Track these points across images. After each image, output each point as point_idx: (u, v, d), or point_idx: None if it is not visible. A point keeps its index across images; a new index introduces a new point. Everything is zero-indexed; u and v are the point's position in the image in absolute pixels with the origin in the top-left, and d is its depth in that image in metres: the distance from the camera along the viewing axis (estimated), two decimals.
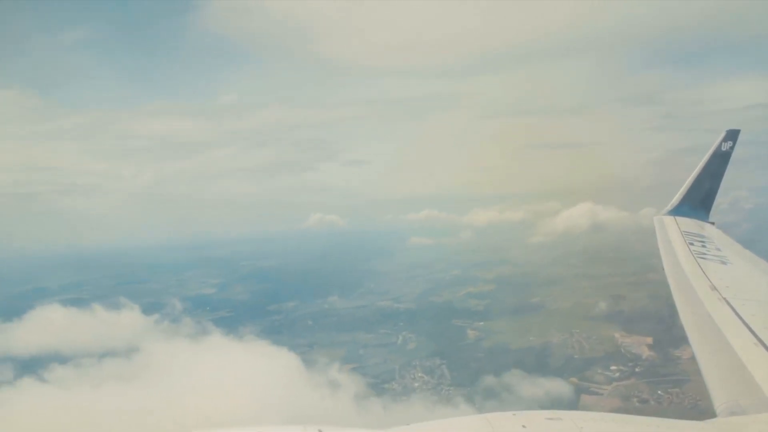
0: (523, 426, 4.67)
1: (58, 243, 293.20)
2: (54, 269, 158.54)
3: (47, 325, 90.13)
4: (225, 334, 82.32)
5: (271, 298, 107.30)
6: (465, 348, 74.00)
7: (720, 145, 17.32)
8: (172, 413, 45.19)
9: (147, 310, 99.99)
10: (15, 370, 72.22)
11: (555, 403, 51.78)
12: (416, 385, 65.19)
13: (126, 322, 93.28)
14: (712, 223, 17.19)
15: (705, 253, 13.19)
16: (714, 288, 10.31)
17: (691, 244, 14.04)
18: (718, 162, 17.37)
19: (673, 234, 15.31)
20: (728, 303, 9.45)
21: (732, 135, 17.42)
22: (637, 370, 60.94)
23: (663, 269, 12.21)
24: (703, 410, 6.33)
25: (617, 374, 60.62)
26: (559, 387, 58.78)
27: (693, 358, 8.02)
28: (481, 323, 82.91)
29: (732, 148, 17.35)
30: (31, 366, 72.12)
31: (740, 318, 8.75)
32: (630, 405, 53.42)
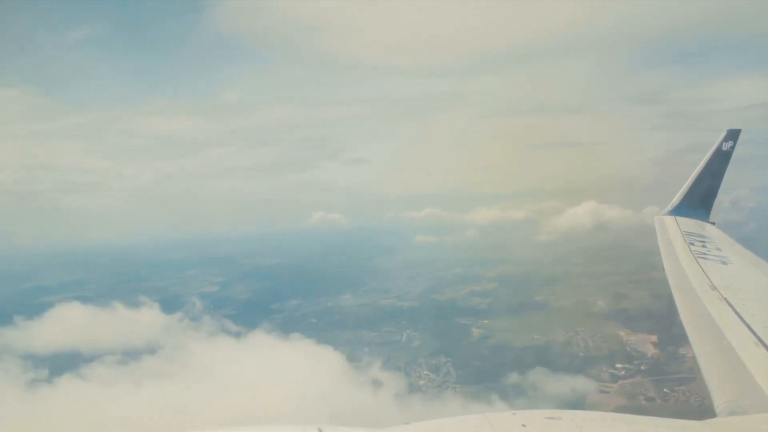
0: (523, 425, 4.64)
1: (59, 241, 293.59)
2: (55, 267, 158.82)
3: (68, 323, 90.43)
4: (231, 333, 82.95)
5: (274, 296, 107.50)
6: (469, 346, 74.12)
7: (720, 145, 17.38)
8: (208, 410, 45.06)
9: (141, 308, 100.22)
10: (42, 368, 72.45)
11: (561, 401, 51.86)
12: (422, 383, 65.25)
13: (144, 319, 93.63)
14: (713, 223, 17.23)
15: (705, 253, 13.22)
16: (714, 288, 10.35)
17: (692, 244, 14.08)
18: (719, 162, 17.43)
19: (673, 234, 15.34)
20: (728, 303, 9.47)
21: (732, 135, 17.47)
22: (642, 368, 60.99)
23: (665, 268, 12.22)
24: (709, 408, 6.25)
25: (623, 372, 60.72)
26: (569, 384, 58.93)
27: None
28: (485, 321, 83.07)
29: (732, 147, 17.40)
30: (59, 364, 72.49)
31: (740, 318, 8.76)
32: (636, 403, 53.52)
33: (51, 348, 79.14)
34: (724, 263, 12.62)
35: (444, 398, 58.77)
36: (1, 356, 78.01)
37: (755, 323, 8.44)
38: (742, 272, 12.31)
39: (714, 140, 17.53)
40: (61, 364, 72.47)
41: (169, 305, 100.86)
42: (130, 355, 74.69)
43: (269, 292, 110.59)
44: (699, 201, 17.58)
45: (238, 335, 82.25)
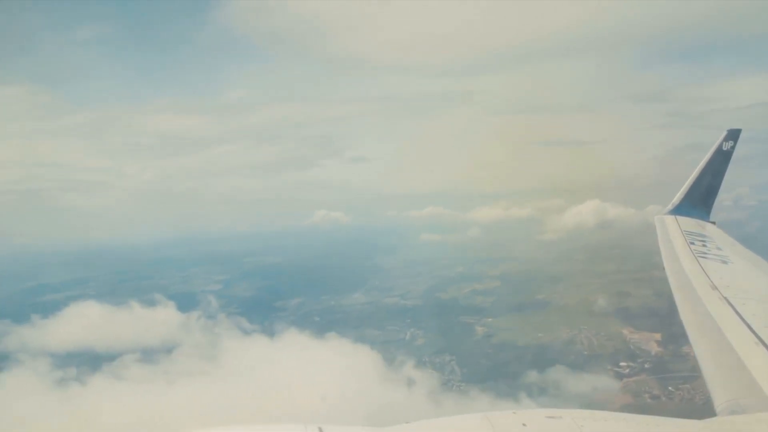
0: (524, 424, 4.66)
1: (61, 240, 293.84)
2: (57, 266, 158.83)
3: (81, 322, 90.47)
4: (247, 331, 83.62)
5: (277, 294, 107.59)
6: (474, 344, 74.27)
7: (721, 145, 17.32)
8: (232, 407, 45.24)
9: (151, 306, 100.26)
10: (66, 366, 72.50)
11: (564, 400, 52.05)
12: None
13: (159, 318, 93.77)
14: (713, 223, 17.19)
15: (705, 253, 13.18)
16: (714, 287, 10.34)
17: (692, 243, 14.05)
18: (719, 161, 17.37)
19: (673, 233, 15.26)
20: (728, 302, 9.48)
21: (733, 134, 17.41)
22: (646, 366, 61.14)
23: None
24: (713, 407, 6.42)
25: (627, 370, 60.87)
26: (573, 383, 59.04)
27: None
28: (489, 320, 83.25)
29: (733, 147, 17.35)
30: (80, 362, 73.06)
31: (740, 317, 8.78)
32: (641, 401, 53.71)
33: (67, 347, 79.44)
34: (725, 263, 12.62)
35: (448, 397, 58.96)
36: (19, 355, 78.29)
37: (755, 323, 8.49)
38: (742, 272, 12.31)
39: (716, 139, 17.49)
40: (81, 362, 73.07)
41: (170, 304, 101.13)
42: (149, 354, 75.12)
43: (272, 291, 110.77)
44: (699, 200, 17.56)
45: (253, 333, 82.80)
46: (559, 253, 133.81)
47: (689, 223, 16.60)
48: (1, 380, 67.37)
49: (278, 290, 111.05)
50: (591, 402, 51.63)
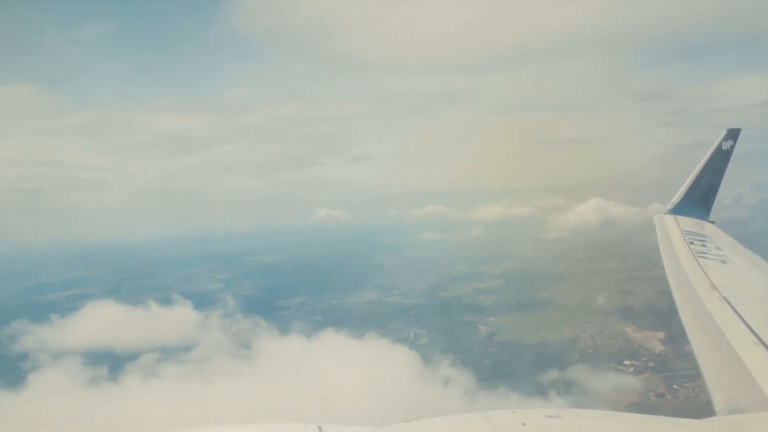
0: (523, 424, 4.68)
1: (63, 238, 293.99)
2: (59, 265, 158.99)
3: (97, 321, 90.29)
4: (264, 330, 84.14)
5: (279, 293, 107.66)
6: (478, 343, 74.30)
7: (721, 144, 17.32)
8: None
9: (163, 306, 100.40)
10: (94, 366, 72.57)
11: (569, 398, 52.19)
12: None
13: (175, 317, 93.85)
14: (713, 222, 17.24)
15: (705, 252, 13.27)
16: (714, 287, 10.41)
17: (691, 243, 14.14)
18: (719, 161, 17.40)
19: (673, 233, 15.37)
20: (728, 302, 9.54)
21: (733, 134, 17.40)
22: (650, 364, 61.31)
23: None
24: None
25: (631, 369, 61.05)
26: (578, 381, 59.14)
27: None
28: (492, 318, 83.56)
29: (733, 147, 17.34)
30: (104, 361, 73.22)
31: (740, 317, 8.85)
32: (646, 399, 53.87)
33: (84, 346, 79.21)
34: (724, 262, 12.72)
35: (453, 395, 59.03)
36: (38, 354, 78.61)
37: (755, 322, 8.56)
38: (741, 271, 12.38)
39: (718, 137, 17.51)
40: (101, 361, 73.27)
41: (171, 302, 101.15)
42: (169, 353, 75.47)
43: (274, 290, 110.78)
44: (699, 200, 17.59)
45: (269, 332, 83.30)
46: (561, 251, 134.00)
47: (689, 222, 16.72)
48: (33, 380, 67.51)
49: (280, 289, 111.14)
50: (596, 400, 51.87)
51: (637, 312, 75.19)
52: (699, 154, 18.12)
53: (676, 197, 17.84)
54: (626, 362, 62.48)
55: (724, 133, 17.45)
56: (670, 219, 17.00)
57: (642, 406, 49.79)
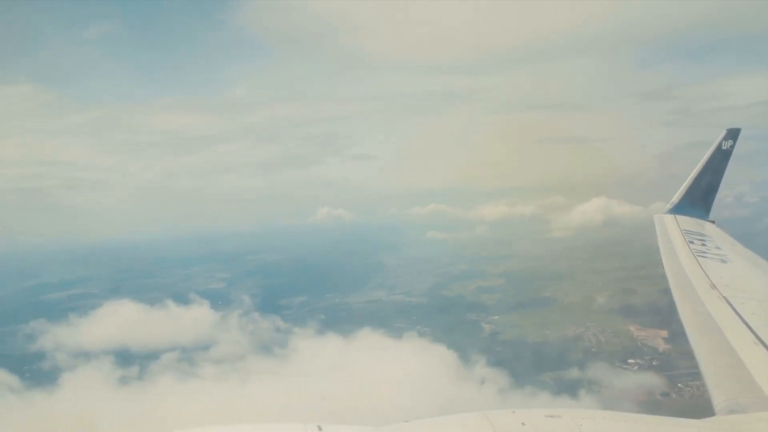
0: (523, 423, 4.70)
1: (64, 238, 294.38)
2: (60, 264, 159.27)
3: (114, 320, 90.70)
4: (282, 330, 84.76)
5: (281, 292, 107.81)
6: (482, 342, 74.35)
7: (720, 144, 17.35)
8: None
9: (157, 304, 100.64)
10: (124, 365, 72.82)
11: (574, 397, 52.33)
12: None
13: (195, 316, 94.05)
14: (712, 222, 17.31)
15: (705, 252, 13.35)
16: (713, 286, 10.49)
17: (691, 242, 14.22)
18: (719, 160, 17.46)
19: (673, 233, 15.46)
20: (728, 301, 9.61)
21: (732, 134, 17.43)
22: (654, 363, 61.50)
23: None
24: None
25: (635, 367, 61.29)
26: (582, 380, 59.23)
27: None
28: (495, 317, 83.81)
29: (732, 146, 17.36)
30: (129, 361, 73.47)
31: (740, 316, 8.91)
32: (652, 398, 53.96)
33: (103, 346, 79.46)
34: (724, 262, 12.80)
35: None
36: (57, 353, 79.02)
37: (754, 322, 8.61)
38: (741, 271, 12.44)
39: (718, 137, 17.53)
40: (123, 361, 73.71)
41: (175, 301, 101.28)
42: (188, 352, 75.95)
43: (276, 289, 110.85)
44: (699, 199, 17.66)
45: (289, 332, 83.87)
46: (563, 250, 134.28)
47: (688, 222, 16.82)
48: (64, 379, 67.85)
49: (282, 288, 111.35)
50: (601, 398, 52.04)
51: (640, 310, 75.35)
52: (700, 153, 18.24)
53: (676, 197, 17.95)
54: (630, 361, 62.72)
55: (723, 132, 17.51)
56: (669, 218, 17.14)
57: (647, 404, 49.94)
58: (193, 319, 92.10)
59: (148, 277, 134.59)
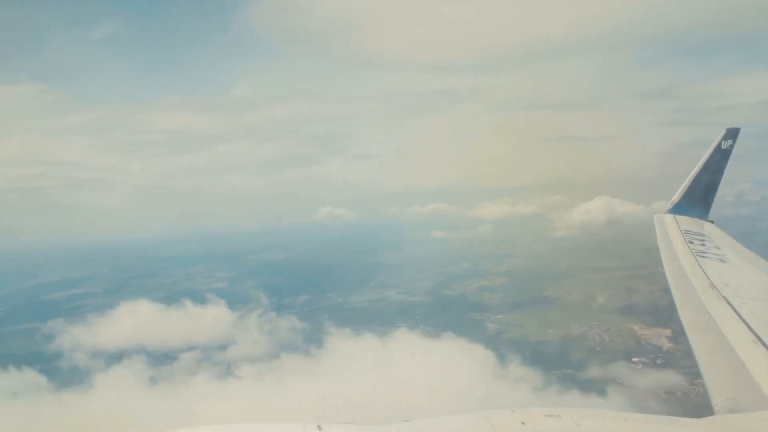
0: (522, 423, 4.71)
1: (65, 237, 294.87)
2: (61, 264, 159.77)
3: (136, 321, 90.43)
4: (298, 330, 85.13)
5: (284, 292, 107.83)
6: (486, 341, 74.37)
7: (720, 144, 17.43)
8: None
9: (159, 304, 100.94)
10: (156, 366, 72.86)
11: (580, 397, 52.54)
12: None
13: (211, 315, 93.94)
14: (712, 222, 17.42)
15: (704, 252, 13.43)
16: (713, 286, 10.54)
17: (691, 242, 14.31)
18: (718, 160, 17.55)
19: (672, 232, 15.56)
20: (727, 301, 9.66)
21: (732, 133, 17.50)
22: (658, 362, 61.68)
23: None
24: None
25: (640, 366, 61.51)
26: (587, 379, 59.45)
27: None
28: (499, 316, 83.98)
29: (732, 146, 17.42)
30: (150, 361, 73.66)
31: (739, 316, 8.98)
32: (657, 396, 54.05)
33: (119, 345, 79.91)
34: (723, 261, 12.86)
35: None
36: (74, 353, 79.39)
37: (754, 322, 8.66)
38: (740, 271, 12.50)
39: (718, 137, 17.63)
40: (142, 360, 74.13)
41: (176, 301, 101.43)
42: (211, 352, 76.40)
43: (279, 288, 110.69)
44: (698, 199, 17.75)
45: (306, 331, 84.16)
46: (565, 249, 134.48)
47: (688, 222, 16.96)
48: (96, 379, 68.11)
49: (284, 288, 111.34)
50: (604, 397, 52.26)
51: (643, 309, 75.55)
52: (702, 152, 18.30)
53: (676, 197, 18.08)
54: (634, 359, 62.91)
55: (723, 132, 17.63)
56: (669, 218, 17.28)
57: (652, 403, 50.10)
58: (198, 319, 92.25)
59: (150, 277, 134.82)
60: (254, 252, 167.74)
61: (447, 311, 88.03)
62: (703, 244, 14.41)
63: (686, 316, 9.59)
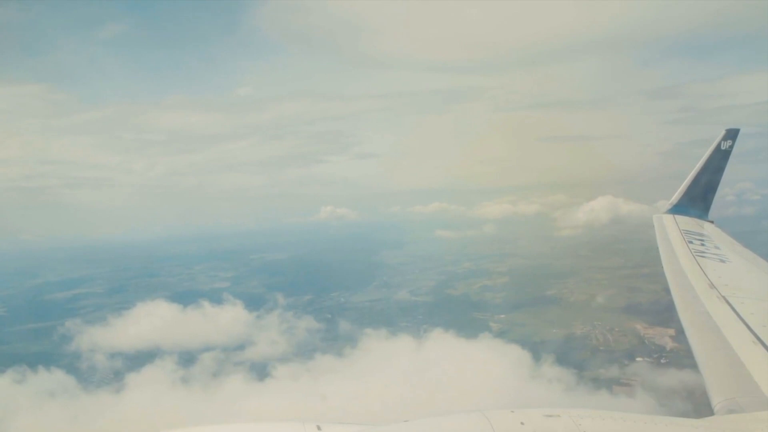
0: (522, 423, 4.73)
1: (67, 237, 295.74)
2: (63, 263, 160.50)
3: (149, 320, 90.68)
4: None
5: (286, 291, 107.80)
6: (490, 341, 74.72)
7: (719, 144, 17.56)
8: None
9: (159, 303, 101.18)
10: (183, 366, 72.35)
11: (585, 397, 52.73)
12: None
13: (230, 316, 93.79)
14: (711, 222, 17.59)
15: (704, 252, 13.54)
16: (712, 286, 10.63)
17: (690, 242, 14.42)
18: (718, 161, 17.69)
19: (672, 232, 15.70)
20: (727, 301, 9.74)
21: (731, 134, 17.63)
22: (663, 361, 61.64)
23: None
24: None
25: (644, 365, 61.41)
26: (591, 379, 59.44)
27: None
28: (503, 316, 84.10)
29: (731, 146, 17.54)
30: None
31: (738, 316, 9.06)
32: (661, 396, 54.17)
33: (136, 346, 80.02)
34: (723, 261, 12.95)
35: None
36: (94, 354, 79.38)
37: (753, 322, 8.73)
38: (740, 270, 12.60)
39: (717, 137, 17.77)
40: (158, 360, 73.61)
41: (178, 301, 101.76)
42: (231, 352, 76.33)
43: (281, 287, 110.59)
44: (698, 199, 17.93)
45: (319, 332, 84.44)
46: (567, 249, 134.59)
47: (688, 222, 17.14)
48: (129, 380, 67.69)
49: (287, 287, 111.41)
50: (611, 396, 52.50)
51: (646, 309, 75.70)
52: (706, 151, 18.40)
53: (675, 197, 18.28)
54: (639, 359, 63.07)
55: (723, 132, 17.78)
56: (669, 218, 17.48)
57: (657, 402, 50.22)
58: (199, 319, 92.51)
59: (152, 276, 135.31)
60: (256, 251, 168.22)
61: (451, 311, 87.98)
62: (702, 244, 14.52)
63: (686, 317, 9.63)
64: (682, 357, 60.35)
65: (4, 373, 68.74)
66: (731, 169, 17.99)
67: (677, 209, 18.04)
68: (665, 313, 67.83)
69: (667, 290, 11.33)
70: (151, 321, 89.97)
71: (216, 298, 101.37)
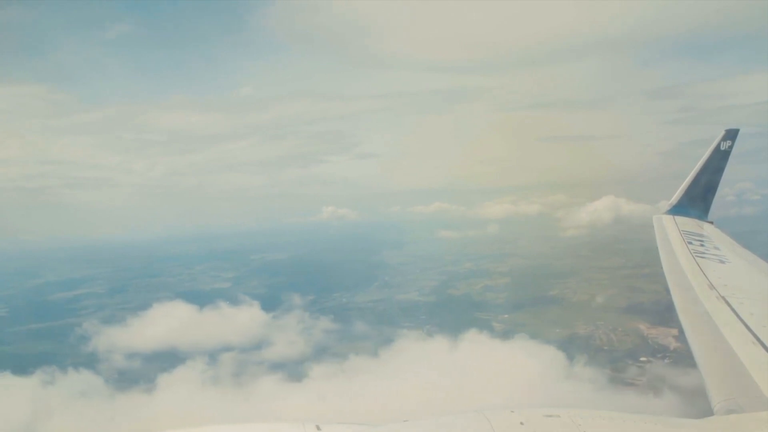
0: (521, 423, 4.71)
1: (68, 237, 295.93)
2: (64, 263, 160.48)
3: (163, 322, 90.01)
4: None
5: (288, 292, 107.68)
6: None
7: (719, 144, 17.58)
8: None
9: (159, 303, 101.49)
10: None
11: (590, 397, 52.89)
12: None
13: (246, 317, 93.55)
14: (711, 222, 17.62)
15: (703, 252, 13.51)
16: (712, 287, 10.59)
17: (690, 243, 14.39)
18: (717, 161, 17.70)
19: (671, 233, 15.66)
20: (726, 301, 9.69)
21: (731, 134, 17.63)
22: (666, 361, 61.94)
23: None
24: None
25: (648, 365, 61.85)
26: (594, 379, 59.39)
27: None
28: (505, 316, 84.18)
29: (731, 147, 17.52)
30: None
31: (738, 316, 9.01)
32: (660, 394, 54.20)
33: (152, 347, 79.66)
34: (722, 262, 12.96)
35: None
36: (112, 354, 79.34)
37: (753, 322, 8.70)
38: (740, 271, 12.62)
39: (717, 138, 17.80)
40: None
41: (180, 300, 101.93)
42: (247, 352, 76.39)
43: (283, 288, 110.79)
44: (697, 200, 17.94)
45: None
46: (569, 249, 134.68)
47: (687, 222, 17.16)
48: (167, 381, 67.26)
49: (288, 287, 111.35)
50: (615, 396, 52.68)
51: (649, 309, 75.76)
52: (706, 151, 18.42)
53: (675, 197, 18.32)
54: (642, 358, 63.28)
55: (722, 133, 17.82)
56: (668, 219, 17.52)
57: (662, 402, 50.43)
58: (199, 319, 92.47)
59: (153, 276, 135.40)
60: (257, 251, 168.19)
61: (453, 311, 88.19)
62: (702, 245, 14.50)
63: (685, 317, 9.64)
64: (686, 357, 60.48)
65: (4, 373, 68.75)
66: (731, 169, 18.03)
67: (677, 210, 18.08)
68: (667, 313, 67.79)
69: (669, 290, 11.33)
70: (158, 322, 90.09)
71: (216, 298, 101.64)
